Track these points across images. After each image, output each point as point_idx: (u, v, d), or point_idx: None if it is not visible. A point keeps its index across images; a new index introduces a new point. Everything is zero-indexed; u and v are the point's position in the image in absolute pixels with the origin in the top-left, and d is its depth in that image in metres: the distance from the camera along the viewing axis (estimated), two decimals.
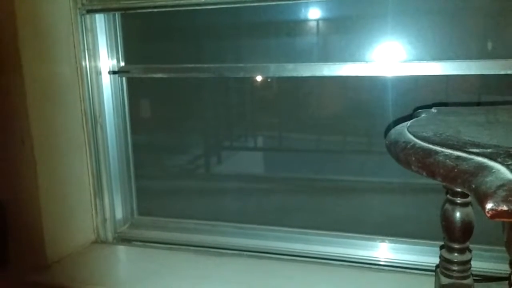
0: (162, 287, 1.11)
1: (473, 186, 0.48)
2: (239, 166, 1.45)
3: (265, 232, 1.31)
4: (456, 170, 0.52)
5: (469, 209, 0.78)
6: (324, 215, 1.32)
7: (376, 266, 1.17)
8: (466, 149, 0.56)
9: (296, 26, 1.26)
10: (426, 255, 1.15)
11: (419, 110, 0.91)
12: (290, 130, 1.36)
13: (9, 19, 1.09)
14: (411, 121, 0.79)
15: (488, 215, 0.44)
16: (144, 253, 1.32)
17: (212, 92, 1.40)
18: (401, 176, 1.22)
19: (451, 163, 0.54)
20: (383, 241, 1.22)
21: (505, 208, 0.43)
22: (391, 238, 1.22)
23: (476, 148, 0.56)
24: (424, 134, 0.65)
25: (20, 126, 1.14)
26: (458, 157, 0.54)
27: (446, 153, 0.56)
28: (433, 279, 0.90)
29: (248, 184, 1.44)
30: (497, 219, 0.44)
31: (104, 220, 1.37)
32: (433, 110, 0.88)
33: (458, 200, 0.78)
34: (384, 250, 1.21)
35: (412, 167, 0.61)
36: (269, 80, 1.32)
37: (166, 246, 1.34)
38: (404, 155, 0.63)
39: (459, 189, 0.74)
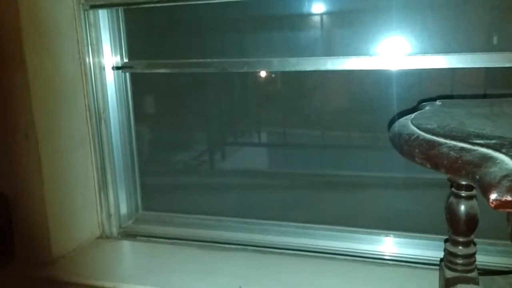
0: (167, 282, 1.11)
1: (477, 177, 0.48)
2: (243, 162, 1.45)
3: (269, 227, 1.31)
4: (460, 161, 0.52)
5: (473, 202, 0.78)
6: (328, 210, 1.31)
7: (380, 261, 1.17)
8: (470, 140, 0.55)
9: (300, 20, 1.25)
10: (431, 249, 1.14)
11: (424, 103, 0.90)
12: (294, 125, 1.36)
13: (12, 14, 1.09)
14: (415, 113, 0.78)
15: (492, 205, 0.44)
16: (149, 248, 1.32)
17: (216, 88, 1.39)
18: (406, 171, 1.21)
19: (455, 155, 0.53)
20: (387, 235, 1.21)
21: (509, 198, 0.43)
22: (396, 233, 1.21)
23: (480, 139, 0.55)
24: (428, 126, 0.65)
25: (24, 121, 1.15)
26: (462, 148, 0.54)
27: (450, 145, 0.56)
28: (437, 273, 0.90)
29: (252, 179, 1.44)
30: (501, 210, 0.44)
31: (109, 215, 1.37)
32: (438, 102, 0.87)
33: (463, 193, 0.77)
34: (388, 245, 1.21)
35: (416, 159, 0.60)
36: (273, 75, 1.32)
37: (171, 241, 1.34)
38: (408, 147, 0.63)
39: (463, 181, 0.74)
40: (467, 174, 0.50)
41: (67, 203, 1.26)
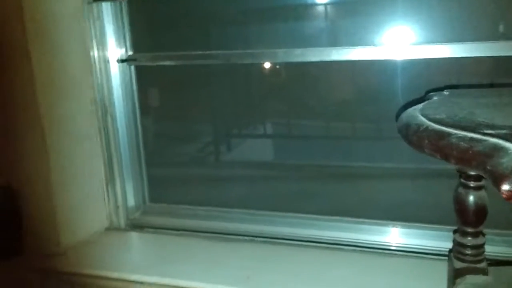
0: (174, 273, 1.11)
1: (489, 167, 0.48)
2: (249, 153, 1.45)
3: (276, 218, 1.31)
4: (470, 152, 0.52)
5: (482, 193, 0.77)
6: (335, 201, 1.31)
7: (388, 251, 1.17)
8: (481, 131, 0.55)
9: (304, 10, 1.24)
10: (438, 240, 1.14)
11: (431, 93, 0.89)
12: (299, 116, 1.36)
13: (16, 9, 1.09)
14: (423, 103, 0.78)
15: (504, 196, 0.43)
16: (156, 239, 1.33)
17: (221, 79, 1.39)
18: (412, 161, 1.20)
19: (465, 145, 0.53)
20: (395, 226, 1.21)
21: None
22: (403, 223, 1.21)
23: (491, 130, 0.55)
24: (437, 116, 0.64)
25: (31, 114, 1.15)
26: (472, 139, 0.53)
27: (460, 135, 0.55)
28: (445, 263, 0.90)
29: (257, 171, 1.44)
30: None
31: (117, 207, 1.38)
32: (445, 92, 0.86)
33: (472, 184, 0.77)
34: (396, 235, 1.20)
35: (425, 150, 0.60)
36: (277, 66, 1.31)
37: (178, 232, 1.34)
38: (417, 138, 0.62)
39: (473, 172, 0.73)
40: (478, 165, 0.50)
41: (75, 196, 1.26)
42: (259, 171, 1.45)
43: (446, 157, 0.56)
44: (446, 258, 0.89)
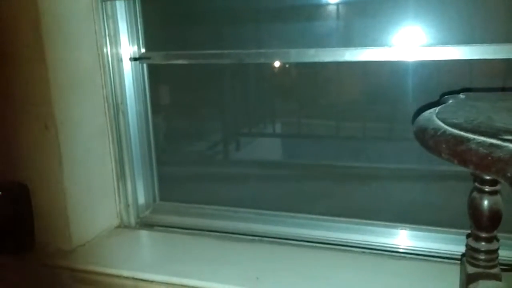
0: (184, 272, 1.12)
1: (509, 174, 0.47)
2: (258, 153, 1.45)
3: (285, 219, 1.31)
4: (490, 158, 0.51)
5: (497, 198, 0.77)
6: (344, 201, 1.31)
7: (398, 254, 1.16)
8: (500, 136, 0.54)
9: (316, 10, 1.24)
10: (447, 243, 1.14)
11: (446, 96, 0.88)
12: (309, 116, 1.35)
13: (31, 7, 1.10)
14: (439, 107, 0.77)
15: None
16: (166, 238, 1.33)
17: (231, 78, 1.39)
18: (423, 163, 1.20)
19: (485, 151, 0.52)
20: (403, 228, 1.21)
21: None
22: (412, 226, 1.20)
23: (511, 135, 0.54)
24: (455, 120, 0.64)
25: (43, 112, 1.16)
26: (491, 145, 0.53)
27: (479, 141, 0.55)
28: (456, 267, 0.90)
29: (267, 170, 1.44)
30: None
31: (127, 205, 1.38)
32: (461, 95, 0.86)
33: (487, 188, 0.76)
34: (404, 238, 1.20)
35: (443, 154, 0.59)
36: (287, 65, 1.31)
37: (188, 231, 1.35)
38: (434, 142, 0.62)
39: (490, 177, 0.73)
40: (497, 172, 0.50)
41: (86, 193, 1.27)
42: (268, 170, 1.44)
43: (464, 163, 0.55)
44: (455, 261, 0.89)
